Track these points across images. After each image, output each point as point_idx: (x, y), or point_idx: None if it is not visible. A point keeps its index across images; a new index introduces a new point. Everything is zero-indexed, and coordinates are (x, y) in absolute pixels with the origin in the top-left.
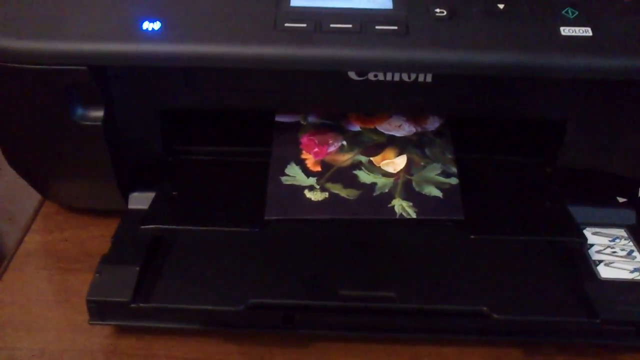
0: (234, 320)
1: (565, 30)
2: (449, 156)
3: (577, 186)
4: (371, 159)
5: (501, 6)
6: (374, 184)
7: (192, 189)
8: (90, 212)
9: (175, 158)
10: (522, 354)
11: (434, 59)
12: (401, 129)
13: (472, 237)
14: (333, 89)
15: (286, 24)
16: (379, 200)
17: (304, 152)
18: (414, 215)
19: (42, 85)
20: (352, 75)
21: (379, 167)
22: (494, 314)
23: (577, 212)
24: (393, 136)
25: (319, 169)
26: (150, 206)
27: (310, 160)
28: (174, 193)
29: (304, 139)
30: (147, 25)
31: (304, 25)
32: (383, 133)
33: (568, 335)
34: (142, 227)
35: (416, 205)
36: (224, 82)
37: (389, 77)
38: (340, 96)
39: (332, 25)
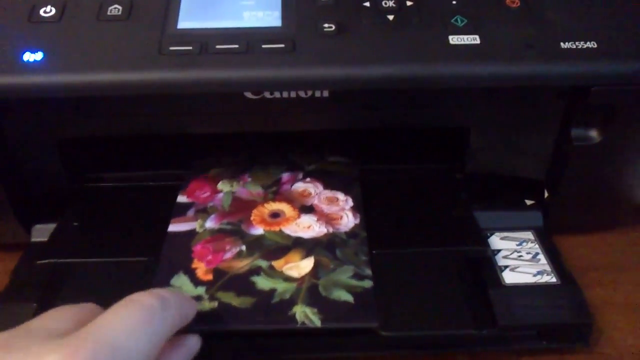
0: None
1: (454, 39)
2: (363, 258)
3: (486, 191)
4: (272, 263)
5: (391, 17)
6: (273, 290)
7: (96, 218)
8: None
9: (80, 186)
10: None
11: (319, 76)
12: (310, 230)
13: (374, 252)
14: (232, 108)
15: (171, 47)
16: (277, 308)
17: (195, 260)
18: (318, 324)
19: None
20: (248, 94)
21: (281, 271)
22: (382, 332)
23: (487, 217)
24: (300, 238)
25: (210, 277)
26: (49, 239)
27: (201, 269)
28: (75, 224)
29: (197, 247)
30: (28, 57)
31: (190, 47)
32: (289, 235)
33: (471, 345)
34: (38, 262)
35: (322, 312)
36: (115, 109)
37: (285, 94)
38: (240, 116)
39: (217, 47)
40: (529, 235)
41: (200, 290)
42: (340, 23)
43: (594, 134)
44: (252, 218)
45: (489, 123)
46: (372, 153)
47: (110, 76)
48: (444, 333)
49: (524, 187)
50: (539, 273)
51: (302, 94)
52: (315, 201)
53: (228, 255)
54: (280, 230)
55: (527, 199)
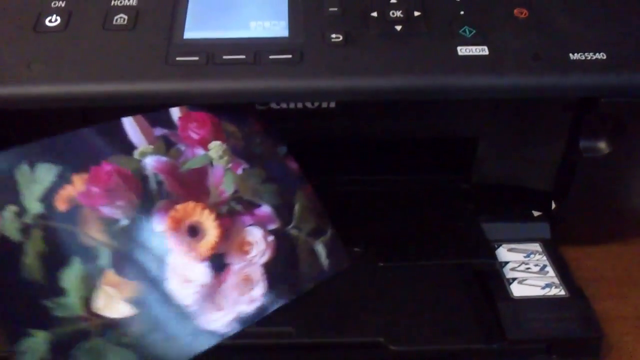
0: None
1: (463, 50)
2: None
3: (493, 202)
4: (109, 270)
5: (398, 28)
6: (64, 291)
7: None
8: None
9: None
10: None
11: (327, 87)
12: (183, 286)
13: (380, 265)
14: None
15: (177, 58)
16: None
17: (84, 176)
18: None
19: None
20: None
21: (99, 286)
22: (390, 346)
23: (494, 228)
24: (162, 283)
25: (63, 207)
26: None
27: (72, 189)
28: None
29: (107, 166)
30: (33, 67)
31: (196, 58)
32: (162, 267)
33: (480, 359)
34: None
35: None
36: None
37: (291, 105)
38: None
39: (225, 57)
40: (536, 247)
41: (38, 207)
42: (347, 33)
43: (602, 145)
44: (173, 210)
45: (497, 133)
46: (378, 163)
47: (116, 86)
48: (453, 347)
49: (532, 198)
50: (547, 286)
51: (308, 104)
52: (236, 265)
53: (107, 211)
54: (167, 253)
55: (535, 210)
